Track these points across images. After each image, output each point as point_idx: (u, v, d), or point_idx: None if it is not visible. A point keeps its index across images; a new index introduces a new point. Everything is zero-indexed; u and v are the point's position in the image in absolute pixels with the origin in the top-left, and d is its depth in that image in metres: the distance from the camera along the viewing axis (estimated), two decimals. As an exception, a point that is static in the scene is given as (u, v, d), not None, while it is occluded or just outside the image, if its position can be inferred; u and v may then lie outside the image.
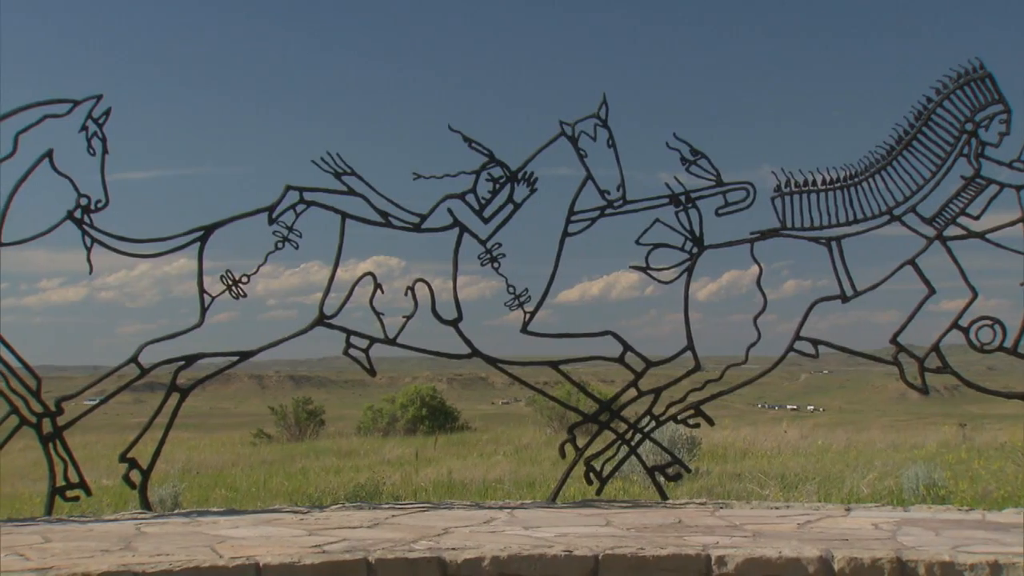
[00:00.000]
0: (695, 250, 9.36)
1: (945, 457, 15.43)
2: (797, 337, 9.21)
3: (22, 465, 19.41)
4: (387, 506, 9.13)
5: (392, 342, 9.13)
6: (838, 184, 9.25)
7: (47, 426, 8.74)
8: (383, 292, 9.08)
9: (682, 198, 9.37)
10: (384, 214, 9.20)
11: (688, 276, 9.35)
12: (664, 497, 9.53)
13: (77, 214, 8.76)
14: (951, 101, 8.99)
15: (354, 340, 9.12)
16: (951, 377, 9.21)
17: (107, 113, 8.89)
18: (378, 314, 9.10)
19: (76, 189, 8.75)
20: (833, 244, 9.22)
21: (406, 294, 9.08)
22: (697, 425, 9.59)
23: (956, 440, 20.62)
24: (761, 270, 9.32)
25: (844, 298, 9.23)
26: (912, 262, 9.06)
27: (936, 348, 9.09)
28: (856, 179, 9.24)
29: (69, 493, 8.83)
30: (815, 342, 9.22)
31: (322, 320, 9.08)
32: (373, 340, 9.14)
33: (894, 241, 9.54)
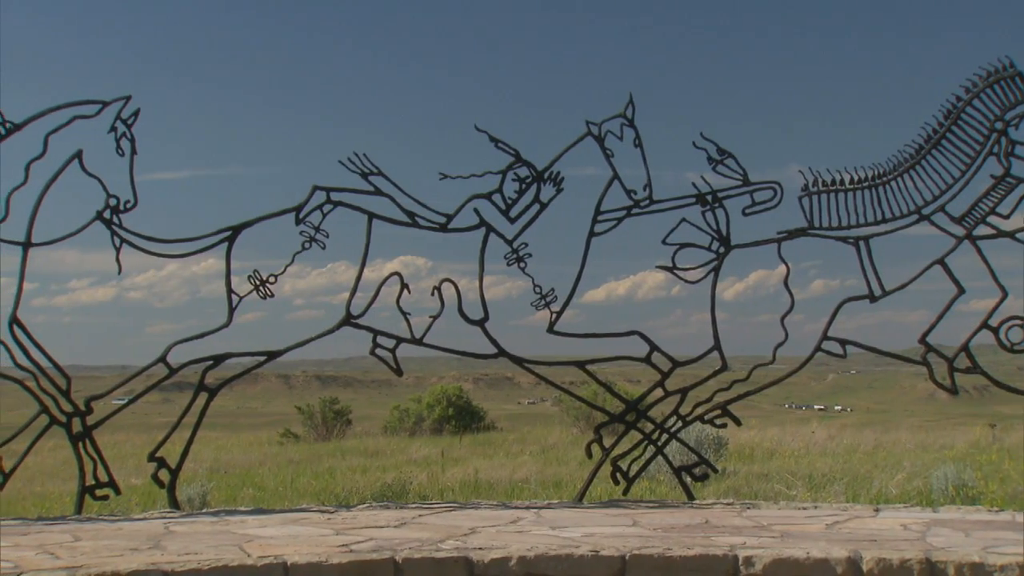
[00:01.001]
0: (722, 250, 9.33)
1: (975, 458, 15.32)
2: (825, 337, 9.16)
3: (52, 464, 19.57)
4: (414, 506, 9.14)
5: (419, 342, 9.14)
6: (866, 183, 9.20)
7: (77, 425, 8.79)
8: (410, 292, 9.09)
9: (709, 198, 9.35)
10: (411, 214, 9.22)
11: (715, 276, 9.33)
12: (691, 497, 9.50)
13: (106, 214, 8.81)
14: (980, 99, 8.92)
15: (381, 340, 9.14)
16: (980, 377, 9.14)
17: (136, 114, 8.93)
18: (405, 314, 9.11)
19: (105, 190, 8.81)
20: (861, 244, 9.17)
21: (432, 294, 9.09)
22: (724, 425, 9.57)
23: (986, 440, 20.46)
24: (788, 270, 9.29)
25: (872, 298, 9.18)
26: (941, 261, 9.00)
27: (965, 348, 9.03)
28: (884, 178, 9.19)
29: (98, 492, 8.88)
30: (843, 342, 9.17)
31: (349, 320, 9.10)
32: (400, 340, 9.15)
33: (923, 240, 9.50)
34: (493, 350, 9.32)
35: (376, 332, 9.13)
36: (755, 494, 11.21)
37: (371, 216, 9.18)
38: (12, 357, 8.56)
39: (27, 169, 8.57)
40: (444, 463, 17.79)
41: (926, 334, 9.02)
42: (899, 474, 12.53)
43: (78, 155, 8.76)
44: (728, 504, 9.08)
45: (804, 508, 8.73)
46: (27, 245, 8.62)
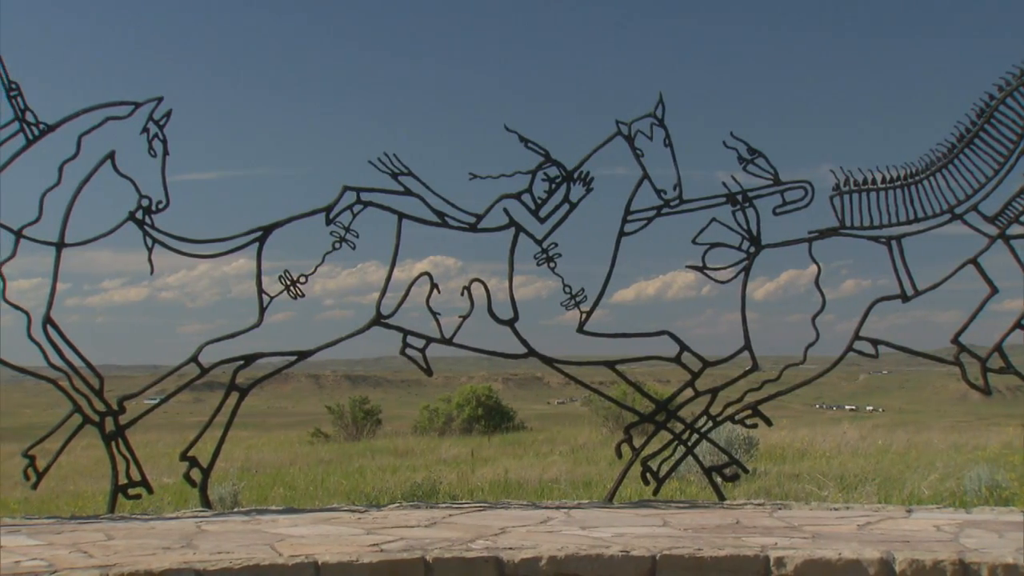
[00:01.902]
0: (752, 249, 9.30)
1: (1008, 458, 15.15)
2: (856, 337, 9.12)
3: (85, 463, 19.73)
4: (444, 505, 9.16)
5: (448, 342, 9.15)
6: (898, 182, 9.15)
7: (110, 425, 8.86)
8: (439, 292, 9.10)
9: (739, 197, 9.32)
10: (440, 214, 9.23)
11: (745, 276, 9.30)
12: (721, 498, 9.47)
13: (139, 215, 8.87)
14: (1014, 98, 8.84)
15: (411, 340, 9.15)
16: (1014, 377, 9.07)
17: (167, 115, 8.99)
18: (434, 314, 9.12)
19: (137, 190, 8.87)
20: (893, 243, 9.12)
21: (462, 294, 9.11)
22: (755, 425, 9.54)
23: (1019, 441, 20.23)
24: (819, 269, 9.24)
25: (904, 297, 9.12)
26: (974, 261, 8.93)
27: (999, 348, 8.96)
28: (917, 177, 9.13)
29: (131, 491, 8.95)
30: (875, 342, 9.12)
31: (379, 320, 9.12)
32: (430, 340, 9.16)
33: (955, 240, 9.42)
34: (523, 350, 9.32)
35: (406, 332, 9.15)
36: (786, 495, 11.16)
37: (401, 216, 9.20)
38: (46, 357, 8.64)
39: (60, 170, 8.64)
40: (474, 463, 17.82)
41: (959, 334, 8.96)
42: (932, 475, 12.43)
43: (111, 156, 8.83)
44: (759, 505, 9.05)
45: (836, 509, 8.69)
46: (60, 245, 8.69)
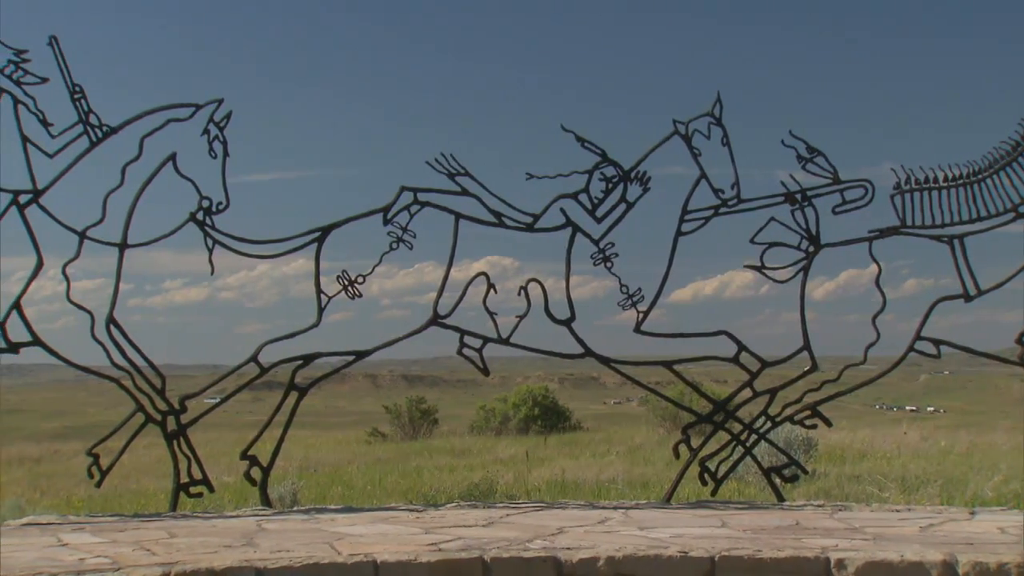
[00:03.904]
0: (811, 249, 9.22)
1: (1074, 460, 14.93)
2: (918, 337, 9.02)
3: (147, 462, 20.00)
4: (501, 505, 9.16)
5: (505, 342, 9.15)
6: (961, 181, 9.03)
7: (171, 424, 8.95)
8: (496, 292, 9.11)
9: (798, 196, 9.25)
10: (497, 214, 9.24)
11: (804, 275, 9.23)
12: (781, 499, 9.40)
13: (199, 216, 8.95)
14: (1081, 93, 8.70)
15: (468, 340, 9.17)
16: (1080, 378, 8.92)
17: (228, 116, 9.06)
18: (491, 314, 9.13)
19: (198, 191, 8.96)
20: (956, 242, 9.01)
21: (519, 294, 9.11)
22: (814, 426, 9.45)
23: (1086, 443, 19.93)
24: (880, 269, 9.15)
25: (967, 297, 9.01)
26: (1039, 260, 8.80)
27: (1064, 348, 8.83)
28: (980, 176, 9.01)
29: (193, 489, 9.03)
30: (936, 342, 9.02)
31: (436, 320, 9.14)
32: (486, 340, 9.17)
33: (1019, 239, 9.27)
34: (580, 350, 9.31)
35: (463, 332, 9.17)
36: (846, 496, 11.04)
37: (458, 216, 9.22)
38: (109, 356, 8.75)
39: (123, 171, 8.75)
40: (530, 463, 17.81)
41: (1022, 334, 8.82)
42: (995, 476, 12.26)
43: (172, 158, 8.92)
44: (819, 506, 8.97)
45: (897, 510, 8.59)
46: (123, 246, 8.80)
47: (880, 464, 15.32)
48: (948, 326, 9.21)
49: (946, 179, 9.07)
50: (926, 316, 9.04)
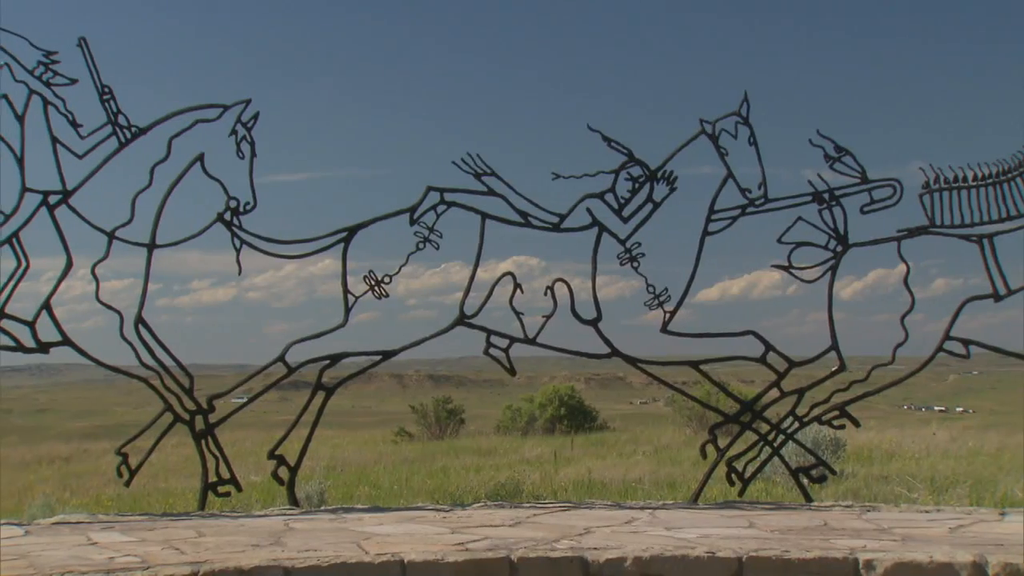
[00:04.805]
0: (839, 248, 9.18)
1: (1106, 461, 14.80)
2: (947, 337, 8.97)
3: (175, 461, 20.10)
4: (528, 505, 9.16)
5: (532, 342, 9.15)
6: (990, 180, 8.98)
7: (200, 423, 9.00)
8: (523, 292, 9.12)
9: (826, 196, 9.21)
10: (524, 214, 9.24)
11: (832, 275, 9.19)
12: (808, 499, 9.36)
13: (227, 216, 8.99)
14: (1111, 91, 8.63)
15: (494, 340, 9.17)
16: (1112, 378, 8.84)
17: (255, 117, 9.09)
18: (518, 314, 9.14)
19: (226, 192, 9.00)
20: (985, 241, 8.95)
21: (545, 294, 9.11)
22: (842, 426, 9.41)
23: (1117, 443, 19.75)
24: (908, 268, 9.12)
25: (997, 297, 8.96)
26: (1070, 259, 8.74)
27: (1096, 348, 8.76)
28: (1009, 175, 8.95)
29: (221, 489, 9.07)
30: (966, 342, 8.96)
31: (463, 320, 9.15)
32: (513, 340, 9.17)
33: (1050, 238, 9.20)
34: (606, 350, 9.30)
35: (489, 332, 9.17)
36: (875, 496, 10.98)
37: (484, 216, 9.22)
38: (138, 356, 8.80)
39: (151, 172, 8.81)
40: (557, 463, 17.79)
41: (1053, 334, 8.76)
42: (1025, 477, 12.17)
43: (200, 158, 8.97)
44: (847, 506, 8.93)
45: (926, 511, 8.54)
46: (151, 246, 8.85)
47: (909, 464, 15.23)
48: (977, 326, 9.14)
49: (975, 178, 9.02)
50: (955, 316, 8.99)
